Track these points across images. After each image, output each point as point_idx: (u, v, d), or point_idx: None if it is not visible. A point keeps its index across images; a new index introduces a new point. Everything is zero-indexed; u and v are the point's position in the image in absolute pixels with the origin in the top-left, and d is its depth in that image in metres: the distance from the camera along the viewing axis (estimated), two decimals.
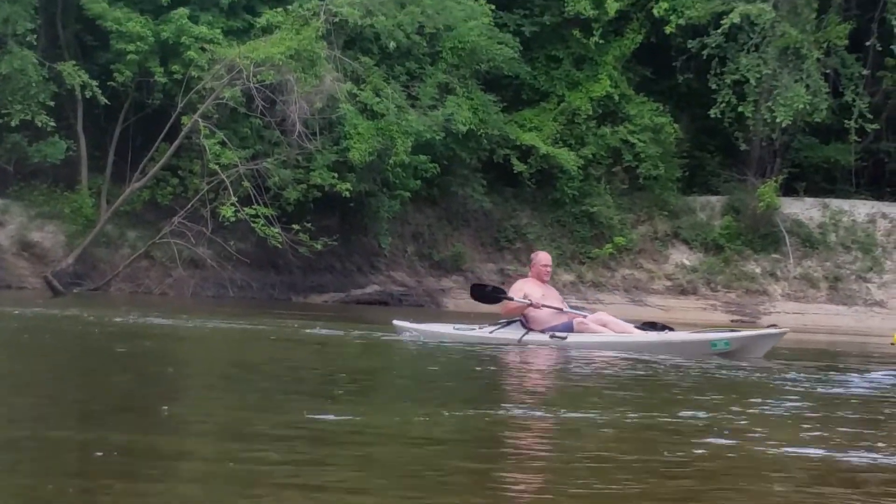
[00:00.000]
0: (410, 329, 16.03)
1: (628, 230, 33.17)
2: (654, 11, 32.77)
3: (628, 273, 32.62)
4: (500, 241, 32.77)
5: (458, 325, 16.09)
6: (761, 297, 32.04)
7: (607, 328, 14.82)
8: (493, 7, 31.39)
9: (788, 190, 34.08)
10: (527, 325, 15.06)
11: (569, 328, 14.84)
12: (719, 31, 32.00)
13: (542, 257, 15.78)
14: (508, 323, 15.25)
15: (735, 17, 31.69)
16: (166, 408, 7.48)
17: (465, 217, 32.62)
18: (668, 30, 32.63)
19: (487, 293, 16.32)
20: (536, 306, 14.97)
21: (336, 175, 28.08)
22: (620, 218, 33.15)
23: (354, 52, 29.61)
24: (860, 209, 34.05)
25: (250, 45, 27.96)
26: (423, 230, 32.06)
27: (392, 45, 29.36)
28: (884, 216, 33.80)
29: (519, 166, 31.92)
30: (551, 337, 14.72)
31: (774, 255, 32.91)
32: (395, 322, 16.30)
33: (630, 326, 14.98)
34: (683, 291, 32.26)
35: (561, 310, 15.17)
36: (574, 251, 32.78)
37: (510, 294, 15.18)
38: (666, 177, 33.46)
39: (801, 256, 32.70)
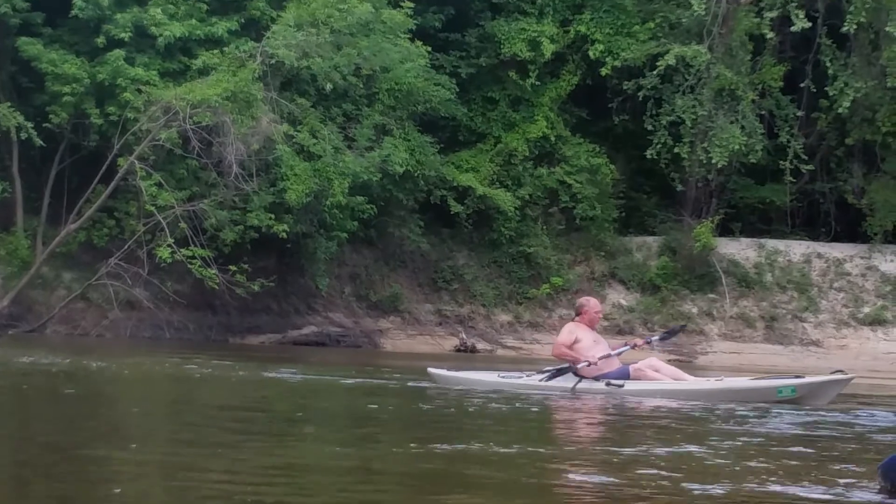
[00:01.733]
0: (449, 378, 16.04)
1: (565, 270, 34.21)
2: (590, 53, 33.94)
3: (566, 313, 33.40)
4: (437, 282, 33.73)
5: (503, 373, 16.22)
6: (698, 337, 33.12)
7: (660, 374, 15.02)
8: (430, 49, 32.23)
9: (724, 230, 35.21)
10: (579, 372, 15.16)
11: (625, 375, 14.99)
12: (655, 72, 33.07)
13: (595, 304, 15.90)
14: (559, 371, 15.41)
15: (670, 59, 32.74)
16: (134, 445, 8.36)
17: (402, 258, 33.55)
18: (603, 72, 33.72)
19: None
20: (593, 362, 15.03)
21: (273, 216, 28.83)
22: (557, 258, 34.23)
23: (291, 94, 30.41)
24: (796, 249, 35.24)
25: (186, 87, 28.65)
26: (361, 271, 32.97)
27: (328, 86, 30.16)
28: (819, 256, 34.99)
29: (456, 207, 32.97)
30: (607, 384, 14.83)
31: (711, 295, 33.96)
32: (431, 370, 16.37)
33: (682, 373, 15.22)
34: (621, 331, 33.04)
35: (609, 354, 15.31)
36: (511, 291, 33.80)
37: (561, 337, 15.38)
38: (602, 217, 34.57)
39: (738, 296, 33.77)
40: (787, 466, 8.31)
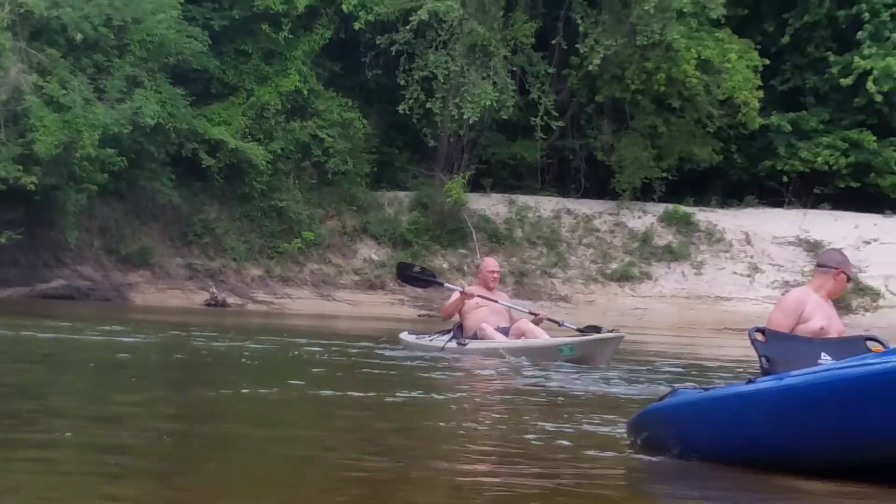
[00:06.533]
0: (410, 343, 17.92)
1: (317, 225, 37.16)
2: (344, 7, 36.65)
3: (317, 268, 36.64)
4: (188, 236, 36.29)
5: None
6: (449, 293, 36.86)
7: (525, 336, 16.71)
8: (182, 0, 34.55)
9: (476, 186, 38.66)
10: (457, 332, 17.13)
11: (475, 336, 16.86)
12: (408, 27, 36.19)
13: (487, 262, 17.85)
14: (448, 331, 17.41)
15: (423, 14, 35.88)
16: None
17: (153, 211, 35.93)
18: (357, 25, 36.53)
19: (414, 275, 19.09)
20: (468, 296, 17.05)
21: (21, 168, 30.82)
22: (309, 213, 37.12)
23: (40, 44, 32.33)
24: (546, 205, 39.01)
25: None
26: (111, 224, 35.20)
27: (79, 36, 32.22)
28: (568, 212, 38.91)
29: (207, 160, 35.26)
30: (458, 344, 16.75)
31: (461, 251, 37.25)
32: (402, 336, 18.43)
33: (542, 333, 16.84)
34: (371, 286, 36.32)
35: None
36: (263, 245, 36.64)
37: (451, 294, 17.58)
38: (355, 172, 37.68)
39: (488, 251, 35.84)
40: (539, 422, 9.28)
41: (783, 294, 10.03)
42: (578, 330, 17.15)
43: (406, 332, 18.64)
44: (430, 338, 17.72)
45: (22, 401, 9.75)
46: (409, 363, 15.55)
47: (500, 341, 16.77)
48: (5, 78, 31.19)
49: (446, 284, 19.65)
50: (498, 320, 17.13)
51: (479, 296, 17.26)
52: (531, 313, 17.88)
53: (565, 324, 17.81)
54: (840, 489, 6.88)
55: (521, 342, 16.71)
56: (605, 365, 15.89)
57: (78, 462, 6.93)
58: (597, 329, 16.95)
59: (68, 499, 5.99)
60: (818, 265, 9.78)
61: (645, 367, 16.41)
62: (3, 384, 10.97)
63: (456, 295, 17.40)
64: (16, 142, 31.47)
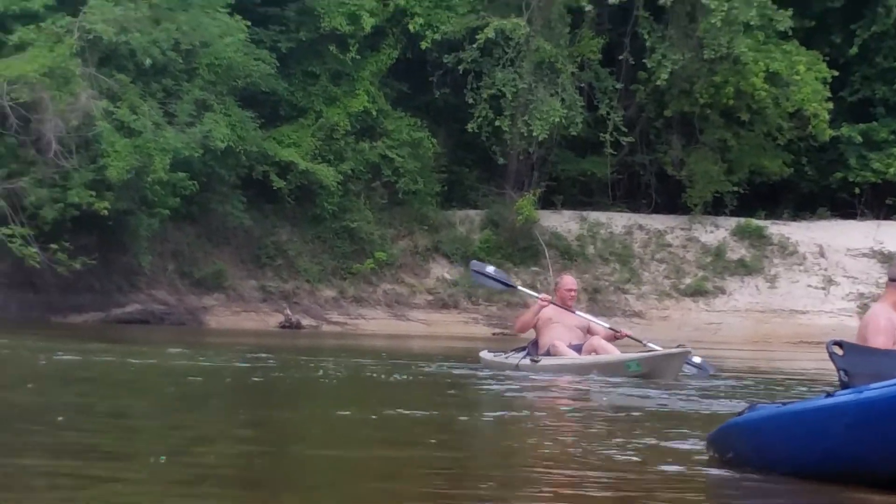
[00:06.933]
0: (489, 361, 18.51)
1: (389, 245, 37.39)
2: (410, 27, 37.00)
3: (390, 288, 36.85)
4: (261, 258, 36.55)
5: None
6: (523, 310, 36.84)
7: (596, 352, 16.97)
8: (249, 23, 34.82)
9: (546, 203, 38.78)
10: (531, 349, 17.62)
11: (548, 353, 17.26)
12: (475, 46, 36.44)
13: (566, 281, 18.11)
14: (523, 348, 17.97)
15: (490, 32, 36.11)
16: None
17: (225, 234, 36.24)
18: (423, 45, 36.92)
19: (487, 274, 19.40)
20: (544, 301, 17.59)
21: (94, 193, 31.21)
22: (381, 233, 37.37)
23: (110, 69, 32.69)
24: (617, 221, 39.05)
25: (3, 63, 31.09)
26: (184, 248, 35.55)
27: (148, 61, 32.60)
28: (640, 228, 38.96)
29: (278, 182, 35.57)
30: (531, 361, 17.16)
31: (534, 268, 37.29)
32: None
33: (614, 350, 17.06)
34: (445, 305, 36.57)
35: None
36: (335, 267, 36.86)
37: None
38: (425, 191, 37.94)
39: (561, 268, 35.64)
40: (617, 438, 9.43)
41: (865, 314, 9.97)
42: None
43: (486, 351, 19.12)
44: (506, 356, 18.05)
45: (108, 426, 9.98)
46: (486, 382, 15.85)
47: (571, 358, 17.08)
48: (76, 104, 31.53)
49: (520, 288, 20.60)
50: (571, 337, 17.37)
51: (552, 303, 17.64)
52: (611, 329, 18.10)
53: (649, 344, 17.94)
54: None
55: (589, 358, 16.96)
56: (673, 380, 16.10)
57: (172, 487, 7.00)
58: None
59: None
60: (892, 279, 9.76)
61: (722, 382, 16.50)
62: (86, 411, 11.09)
63: (533, 308, 17.83)
64: (88, 168, 31.79)
